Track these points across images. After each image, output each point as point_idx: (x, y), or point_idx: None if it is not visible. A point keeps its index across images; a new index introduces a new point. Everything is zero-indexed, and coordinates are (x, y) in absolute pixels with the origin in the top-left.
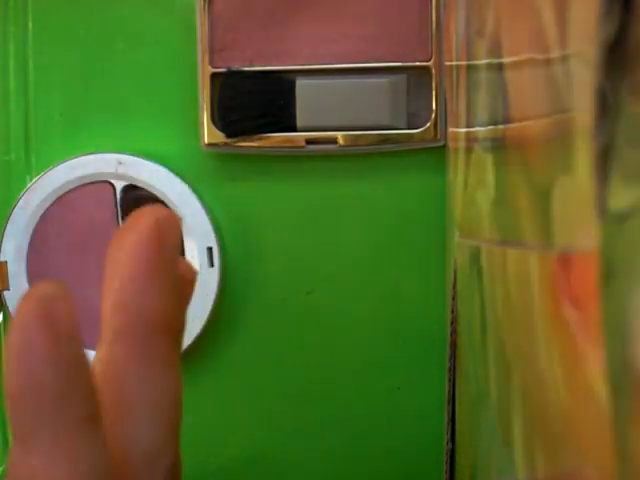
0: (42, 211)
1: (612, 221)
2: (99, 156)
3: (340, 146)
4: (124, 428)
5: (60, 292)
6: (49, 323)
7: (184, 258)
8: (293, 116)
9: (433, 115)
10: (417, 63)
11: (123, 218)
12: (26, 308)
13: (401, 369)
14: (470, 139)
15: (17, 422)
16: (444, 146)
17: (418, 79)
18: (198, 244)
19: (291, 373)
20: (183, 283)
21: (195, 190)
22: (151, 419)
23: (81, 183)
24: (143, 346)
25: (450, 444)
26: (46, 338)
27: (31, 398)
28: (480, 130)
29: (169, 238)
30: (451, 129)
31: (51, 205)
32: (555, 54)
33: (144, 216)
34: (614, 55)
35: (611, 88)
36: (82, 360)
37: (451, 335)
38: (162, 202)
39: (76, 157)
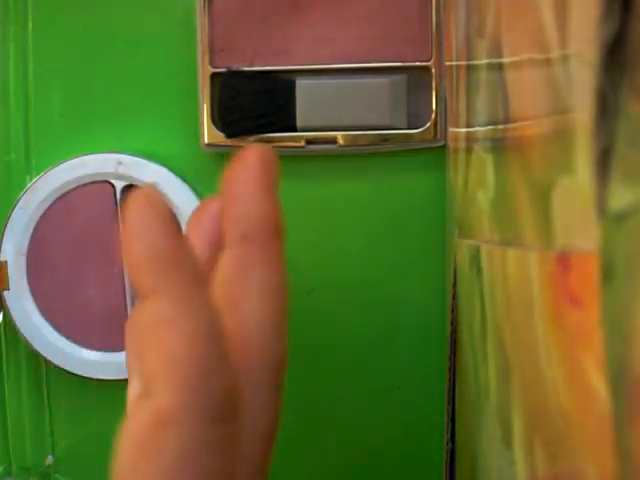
0: (42, 211)
1: (612, 221)
2: (99, 156)
3: (340, 146)
4: (243, 314)
5: (158, 191)
6: (157, 207)
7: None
8: (293, 116)
9: (433, 115)
10: (417, 63)
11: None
12: (137, 199)
13: (401, 369)
14: (470, 139)
15: (143, 282)
16: (444, 146)
17: (418, 79)
18: None
19: (291, 373)
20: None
21: (195, 190)
22: (266, 309)
23: (81, 183)
24: (265, 245)
25: (450, 444)
26: (158, 216)
27: (155, 262)
28: (480, 130)
29: (273, 167)
30: (451, 129)
31: (51, 205)
32: (555, 54)
33: (252, 152)
34: (614, 55)
35: (611, 88)
36: (184, 235)
37: (451, 335)
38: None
39: (76, 157)
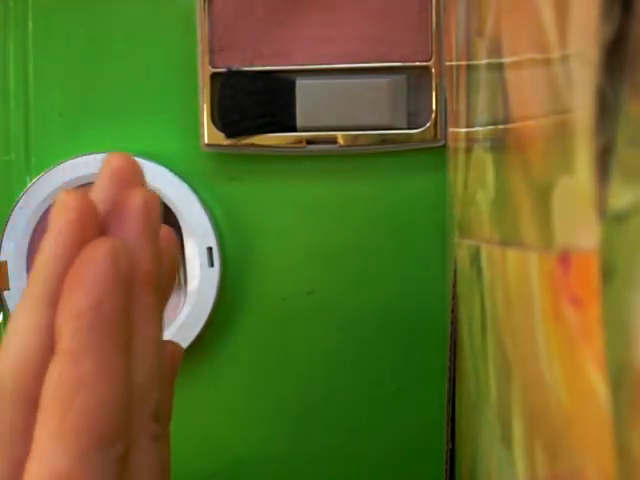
0: (42, 211)
1: (612, 221)
2: (99, 156)
3: (340, 146)
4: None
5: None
6: (118, 254)
7: (164, 226)
8: (293, 116)
9: (433, 115)
10: (417, 63)
11: None
12: (101, 250)
13: (401, 369)
14: (470, 139)
15: (73, 335)
16: (444, 146)
17: (418, 79)
18: (198, 244)
19: (291, 373)
20: (166, 248)
21: (195, 190)
22: (142, 356)
23: (81, 183)
24: (137, 296)
25: (450, 444)
26: (114, 267)
27: (95, 321)
28: (480, 130)
29: (155, 214)
30: (451, 129)
31: (51, 205)
32: (555, 54)
33: (133, 196)
34: (614, 55)
35: (611, 88)
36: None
37: (451, 335)
38: (162, 202)
39: (76, 157)
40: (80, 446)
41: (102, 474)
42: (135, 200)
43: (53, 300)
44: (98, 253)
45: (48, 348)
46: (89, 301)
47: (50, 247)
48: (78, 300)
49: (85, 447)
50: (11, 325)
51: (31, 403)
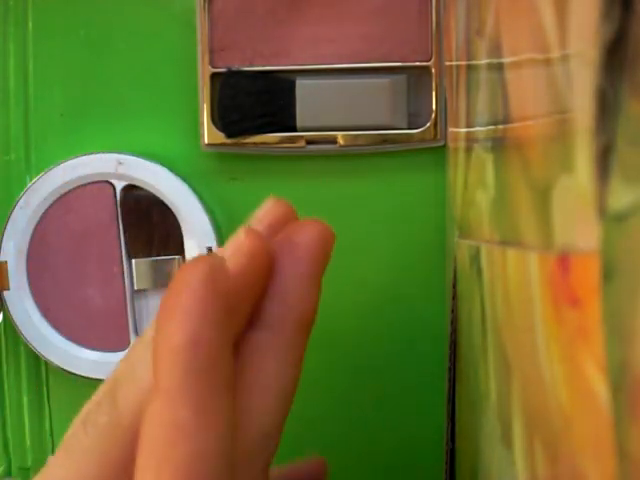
0: (42, 211)
1: (612, 221)
2: (99, 156)
3: (340, 146)
4: (251, 403)
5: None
6: (217, 288)
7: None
8: (293, 116)
9: (433, 115)
10: (417, 63)
11: (123, 218)
12: (197, 274)
13: (401, 369)
14: (470, 139)
15: (167, 375)
16: (444, 146)
17: (418, 79)
18: (198, 244)
19: None
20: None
21: (195, 190)
22: (275, 403)
23: (81, 183)
24: (292, 336)
25: (450, 444)
26: (215, 302)
27: (191, 358)
28: (480, 130)
29: (326, 257)
30: (451, 129)
31: (51, 205)
32: (555, 54)
33: (314, 226)
34: (614, 55)
35: (611, 88)
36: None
37: (451, 335)
38: (162, 202)
39: (76, 157)
40: None
41: None
42: (308, 235)
43: None
44: (193, 276)
45: None
46: (184, 336)
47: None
48: (172, 334)
49: None
50: (134, 361)
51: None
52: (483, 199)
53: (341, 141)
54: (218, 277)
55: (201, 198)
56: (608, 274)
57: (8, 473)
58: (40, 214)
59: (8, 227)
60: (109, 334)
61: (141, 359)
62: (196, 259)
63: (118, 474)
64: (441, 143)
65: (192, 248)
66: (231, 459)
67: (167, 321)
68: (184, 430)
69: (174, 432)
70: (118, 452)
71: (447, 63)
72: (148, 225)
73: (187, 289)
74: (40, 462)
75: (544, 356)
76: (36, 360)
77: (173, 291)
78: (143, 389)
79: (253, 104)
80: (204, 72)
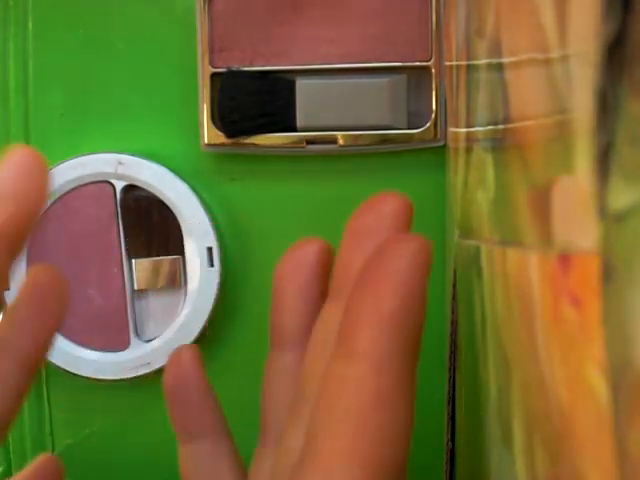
0: (42, 211)
1: (612, 221)
2: (99, 156)
3: (340, 146)
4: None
5: None
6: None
7: None
8: (293, 116)
9: (433, 115)
10: (417, 63)
11: (123, 218)
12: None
13: None
14: (470, 139)
15: (373, 341)
16: (444, 146)
17: (418, 79)
18: (198, 244)
19: None
20: None
21: (195, 190)
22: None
23: (81, 183)
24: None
25: (450, 444)
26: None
27: (404, 323)
28: (480, 130)
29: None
30: (451, 129)
31: (51, 205)
32: (555, 54)
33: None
34: (614, 55)
35: (611, 88)
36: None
37: (451, 335)
38: (162, 202)
39: (76, 157)
40: (367, 476)
41: None
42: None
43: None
44: (412, 247)
45: None
46: (398, 301)
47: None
48: (384, 298)
49: (372, 476)
50: None
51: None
52: (483, 199)
53: (341, 141)
54: (431, 253)
55: (201, 198)
56: (608, 274)
57: (8, 473)
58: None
59: None
60: (109, 334)
61: None
62: (411, 236)
63: None
64: (441, 143)
65: (192, 248)
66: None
67: (375, 285)
68: (386, 398)
69: (376, 399)
70: None
71: (447, 63)
72: (148, 225)
73: (403, 258)
74: None
75: (544, 356)
76: None
77: (381, 258)
78: None
79: (253, 104)
80: (204, 72)
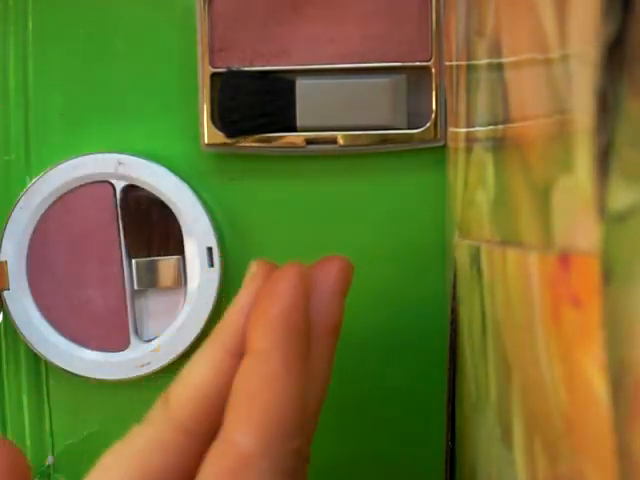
0: (42, 211)
1: (612, 221)
2: (99, 156)
3: (340, 146)
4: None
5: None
6: (304, 286)
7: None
8: (293, 116)
9: (433, 115)
10: (417, 63)
11: (123, 218)
12: (293, 274)
13: (401, 369)
14: (470, 139)
15: (262, 336)
16: (444, 146)
17: (418, 79)
18: (198, 244)
19: None
20: None
21: (195, 190)
22: (312, 384)
23: (81, 183)
24: (319, 338)
25: (450, 444)
26: (303, 295)
27: (284, 325)
28: (480, 130)
29: (350, 278)
30: (451, 129)
31: (51, 205)
32: (555, 54)
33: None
34: (614, 55)
35: (611, 88)
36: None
37: (451, 335)
38: (162, 202)
39: (76, 157)
40: (266, 433)
41: (282, 462)
42: (337, 264)
43: (233, 351)
44: (289, 273)
45: (221, 390)
46: (280, 307)
47: (236, 304)
48: (270, 307)
49: (270, 435)
50: (189, 365)
51: (195, 435)
52: (483, 199)
53: (341, 141)
54: (306, 281)
55: (201, 198)
56: (608, 274)
57: None
58: (40, 214)
59: (8, 227)
60: (109, 334)
61: (193, 360)
62: (290, 265)
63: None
64: (441, 143)
65: (192, 248)
66: (305, 415)
67: (265, 300)
68: (276, 378)
69: (266, 379)
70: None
71: (447, 63)
72: (148, 225)
73: (284, 281)
74: (40, 462)
75: (544, 356)
76: (36, 360)
77: (270, 282)
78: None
79: (253, 104)
80: (204, 72)
